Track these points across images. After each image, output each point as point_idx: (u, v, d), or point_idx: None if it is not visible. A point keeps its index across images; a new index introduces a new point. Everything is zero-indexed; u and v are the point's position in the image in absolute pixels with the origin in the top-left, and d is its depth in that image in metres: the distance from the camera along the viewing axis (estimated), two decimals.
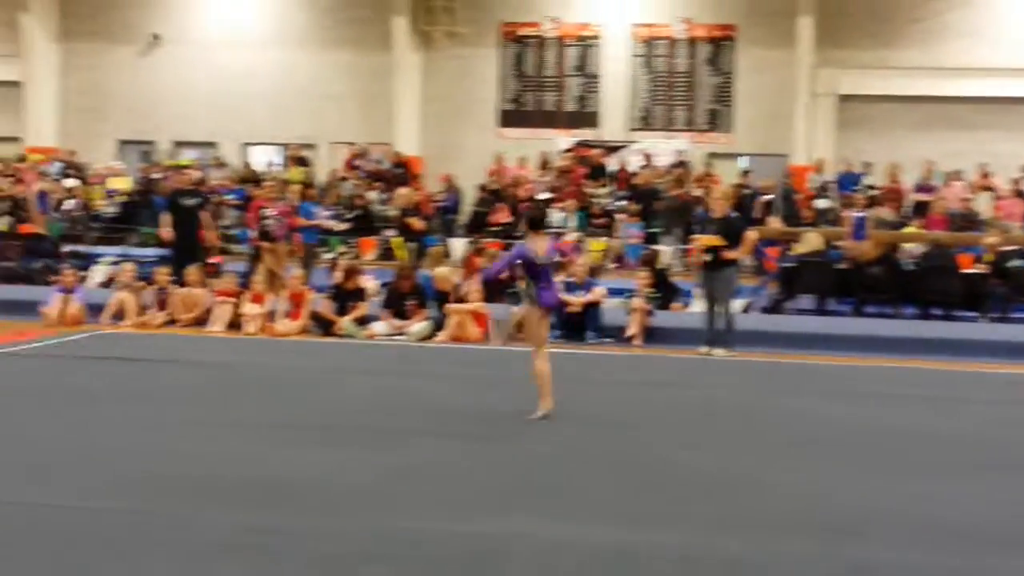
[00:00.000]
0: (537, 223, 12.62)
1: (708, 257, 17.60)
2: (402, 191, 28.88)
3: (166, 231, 22.83)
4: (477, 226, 29.79)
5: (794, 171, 31.98)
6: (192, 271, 20.63)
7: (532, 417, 12.26)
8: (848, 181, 30.41)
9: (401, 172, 32.75)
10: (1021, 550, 8.15)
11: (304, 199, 24.67)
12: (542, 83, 35.58)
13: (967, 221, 27.80)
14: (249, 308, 19.78)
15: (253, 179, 28.62)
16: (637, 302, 19.39)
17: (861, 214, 25.15)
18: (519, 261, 12.41)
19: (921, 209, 28.70)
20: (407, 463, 10.27)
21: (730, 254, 17.51)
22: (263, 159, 35.52)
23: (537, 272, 12.35)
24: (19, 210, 29.49)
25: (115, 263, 24.53)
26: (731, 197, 18.73)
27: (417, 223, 23.58)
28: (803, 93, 33.51)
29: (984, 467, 10.68)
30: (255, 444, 10.91)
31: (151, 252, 25.46)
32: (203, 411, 12.65)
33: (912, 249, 24.03)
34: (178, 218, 22.66)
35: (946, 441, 11.82)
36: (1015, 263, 22.13)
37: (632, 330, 19.04)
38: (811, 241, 22.50)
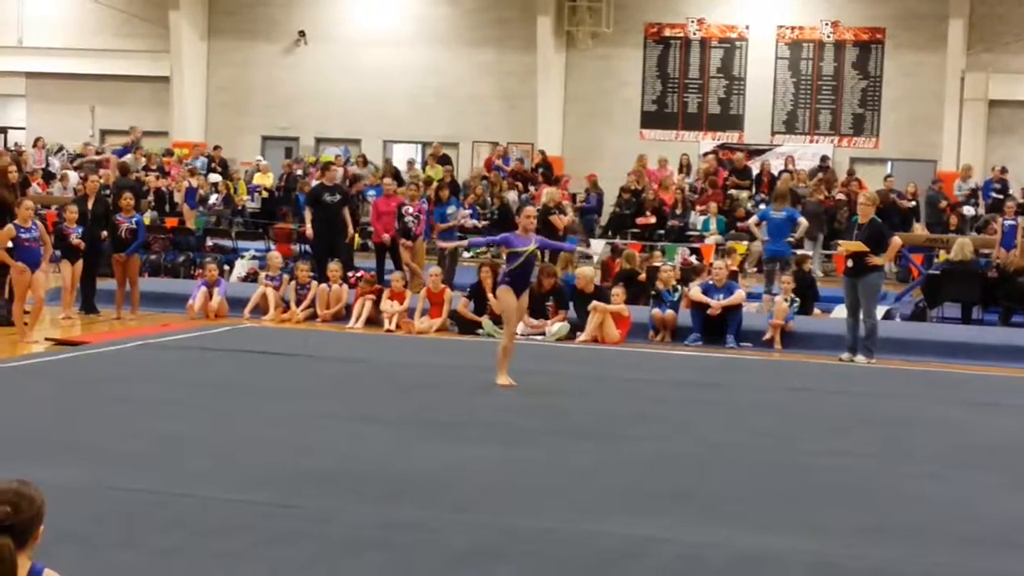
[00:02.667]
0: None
1: (852, 263, 17.34)
2: (547, 189, 28.88)
3: (308, 228, 23.05)
4: (618, 227, 29.71)
5: (941, 177, 31.48)
6: (333, 267, 20.76)
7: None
8: (991, 188, 29.89)
9: (544, 171, 32.77)
10: None
11: (440, 199, 24.72)
12: (685, 85, 35.38)
13: None
14: (388, 305, 19.85)
15: (393, 176, 28.70)
16: (779, 301, 19.20)
17: (1011, 222, 24.68)
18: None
19: None
20: (541, 461, 10.25)
21: (874, 260, 17.24)
22: (404, 157, 35.71)
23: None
24: (164, 204, 29.96)
25: (256, 258, 24.79)
26: (877, 202, 18.40)
27: (560, 221, 23.51)
28: (952, 98, 32.99)
29: None
30: (388, 439, 10.95)
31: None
32: (338, 406, 12.74)
33: None
34: (321, 215, 22.87)
35: None
36: None
37: (771, 333, 18.84)
38: (962, 248, 22.08)
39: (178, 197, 30.37)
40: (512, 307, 13.98)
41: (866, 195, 19.01)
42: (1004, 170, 30.45)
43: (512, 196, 31.17)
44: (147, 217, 25.90)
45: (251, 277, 23.54)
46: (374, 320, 19.95)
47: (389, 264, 22.90)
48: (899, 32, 33.87)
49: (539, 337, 19.00)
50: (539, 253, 14.33)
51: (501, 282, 14.13)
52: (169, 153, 35.15)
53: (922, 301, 22.60)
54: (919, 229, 27.47)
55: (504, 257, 14.34)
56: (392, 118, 36.57)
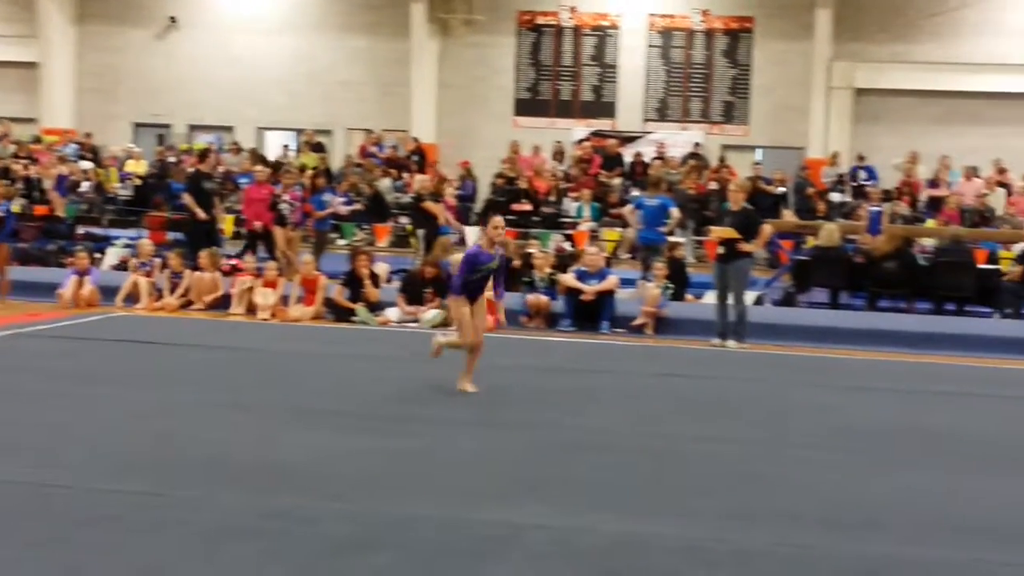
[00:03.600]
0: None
1: (723, 249, 17.58)
2: (419, 177, 28.91)
3: (200, 211, 22.87)
4: (491, 214, 29.76)
5: (809, 164, 31.95)
6: (205, 255, 20.66)
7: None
8: (862, 175, 30.40)
9: (417, 159, 32.80)
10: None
11: (315, 187, 24.69)
12: (558, 72, 35.55)
13: (981, 217, 27.80)
14: (262, 294, 19.80)
15: (265, 164, 28.57)
16: (650, 288, 19.40)
17: (876, 208, 25.14)
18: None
19: (935, 204, 28.70)
20: (417, 449, 10.29)
21: (745, 247, 17.49)
22: (278, 144, 35.53)
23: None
24: (34, 192, 29.57)
25: (128, 246, 24.59)
26: (747, 190, 18.67)
27: (434, 207, 23.58)
28: (819, 86, 33.47)
29: (996, 463, 10.68)
30: (265, 428, 10.95)
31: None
32: (213, 394, 12.70)
33: (926, 244, 24.03)
34: (200, 202, 22.80)
35: (958, 437, 11.80)
36: None
37: (643, 319, 19.05)
38: (829, 234, 22.46)
39: (48, 185, 29.97)
40: (467, 317, 13.14)
41: (737, 183, 19.31)
42: (861, 157, 31.00)
43: (386, 183, 31.19)
44: (16, 205, 25.55)
45: (123, 265, 23.34)
46: (250, 308, 19.89)
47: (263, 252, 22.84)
48: (767, 21, 34.28)
49: (413, 324, 19.06)
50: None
51: (453, 291, 13.29)
52: (38, 140, 34.67)
53: (791, 286, 22.96)
54: (788, 215, 27.85)
55: (458, 267, 13.33)
56: (265, 105, 36.36)
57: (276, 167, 27.47)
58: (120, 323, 18.41)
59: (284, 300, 19.85)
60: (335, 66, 36.18)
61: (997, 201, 29.09)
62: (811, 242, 23.52)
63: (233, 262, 21.63)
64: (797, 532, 8.24)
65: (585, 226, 27.34)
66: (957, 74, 32.94)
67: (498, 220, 13.38)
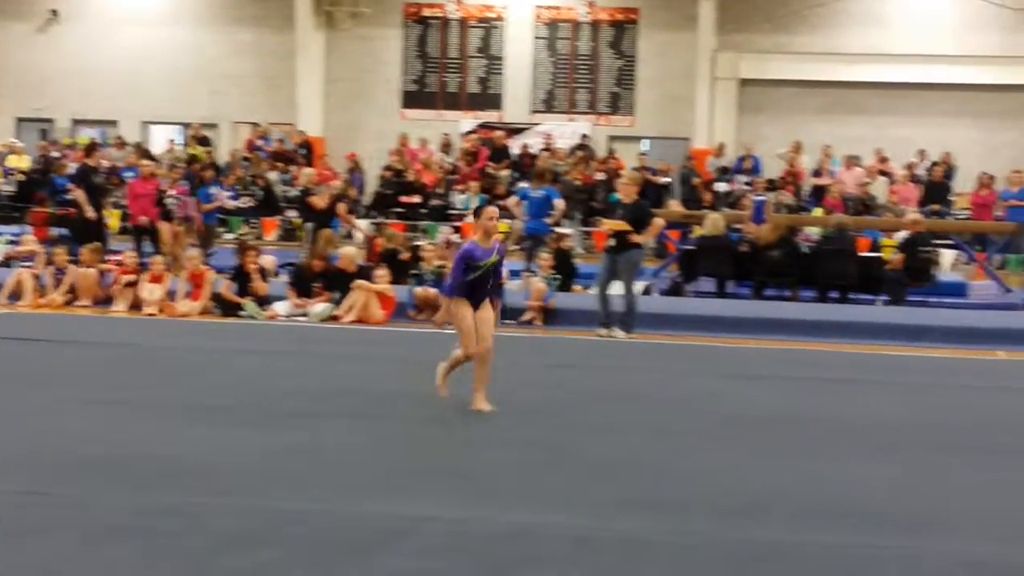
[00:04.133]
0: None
1: (613, 241, 17.64)
2: (306, 171, 28.81)
3: (89, 209, 22.57)
4: (381, 207, 29.77)
5: (695, 154, 32.21)
6: (87, 250, 20.44)
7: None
8: (747, 165, 30.72)
9: (304, 153, 32.69)
10: (912, 531, 8.29)
11: (203, 180, 24.54)
12: (445, 65, 35.56)
13: (863, 206, 28.19)
14: (148, 289, 19.62)
15: (150, 158, 28.34)
16: (536, 282, 19.46)
17: (761, 197, 25.40)
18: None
19: (819, 193, 29.07)
20: (306, 443, 10.25)
21: (636, 238, 17.58)
22: (164, 138, 35.22)
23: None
24: None
25: (12, 242, 24.27)
26: (639, 183, 18.76)
27: (319, 201, 23.47)
28: (704, 77, 33.78)
29: (880, 449, 10.83)
30: (150, 424, 10.85)
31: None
32: (97, 391, 12.55)
33: (810, 233, 24.31)
34: (89, 197, 22.54)
35: (842, 423, 11.96)
36: (922, 249, 22.39)
37: (531, 311, 19.10)
38: (715, 224, 22.66)
39: None
40: (470, 323, 11.93)
41: (629, 175, 19.35)
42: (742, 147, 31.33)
43: (273, 176, 31.04)
44: None
45: (6, 262, 23.04)
46: (136, 304, 19.71)
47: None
48: (652, 12, 34.54)
49: (302, 318, 18.99)
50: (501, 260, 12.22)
51: (451, 293, 12.08)
52: None
53: (678, 276, 23.15)
54: (674, 205, 28.05)
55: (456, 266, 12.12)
56: (150, 99, 36.04)
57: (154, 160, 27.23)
58: (3, 320, 18.17)
59: (171, 295, 19.68)
60: (221, 59, 35.95)
61: (879, 190, 29.54)
62: (697, 232, 23.71)
63: (119, 257, 21.41)
64: (685, 519, 8.31)
65: (470, 218, 27.34)
66: (839, 64, 33.42)
67: (492, 210, 12.44)
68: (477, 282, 11.93)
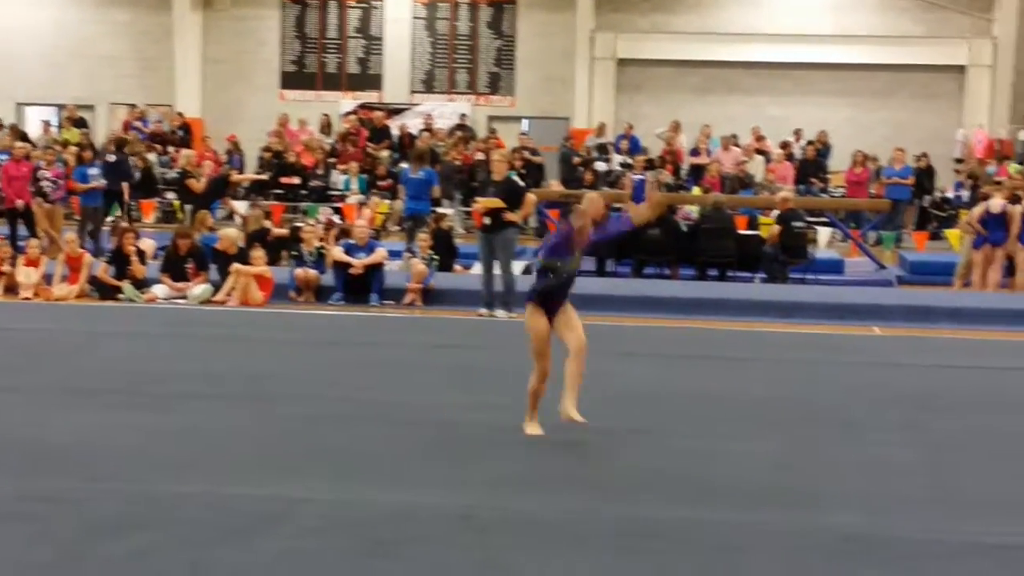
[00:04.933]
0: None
1: (488, 220, 17.69)
2: (184, 152, 28.56)
3: None
4: (260, 189, 29.58)
5: (574, 134, 32.34)
6: None
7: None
8: (626, 144, 30.91)
9: (183, 134, 32.42)
10: (791, 506, 8.43)
11: (80, 161, 24.26)
12: (324, 45, 35.38)
13: (741, 184, 28.48)
14: (24, 272, 19.36)
15: (25, 140, 27.96)
16: (416, 263, 19.47)
17: (640, 177, 25.56)
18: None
19: (697, 172, 29.32)
20: (185, 425, 10.21)
21: (510, 216, 17.64)
22: (39, 120, 34.73)
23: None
24: None
25: None
26: (510, 160, 18.81)
27: (196, 185, 23.34)
28: (583, 57, 33.91)
29: (758, 425, 10.98)
30: (28, 409, 10.77)
31: None
32: None
33: (689, 211, 24.54)
34: None
35: (721, 400, 12.09)
36: (797, 225, 22.67)
37: (412, 293, 19.10)
38: (592, 203, 22.73)
39: None
40: (543, 335, 10.18)
41: (501, 153, 19.42)
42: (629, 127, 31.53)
43: (152, 158, 30.75)
44: None
45: None
46: (11, 288, 19.44)
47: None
48: None
49: (181, 301, 18.85)
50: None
51: (529, 298, 10.38)
52: None
53: None
54: (554, 185, 28.17)
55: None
56: (24, 80, 35.47)
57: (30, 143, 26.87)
58: None
59: (47, 279, 19.44)
60: (97, 40, 35.48)
61: (756, 168, 29.82)
62: None
63: None
64: (567, 497, 8.38)
65: (353, 199, 27.29)
66: (716, 44, 33.68)
67: (596, 198, 10.71)
68: (555, 287, 10.22)
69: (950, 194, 30.57)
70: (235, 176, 25.25)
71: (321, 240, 20.28)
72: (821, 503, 8.45)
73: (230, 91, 35.26)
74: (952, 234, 25.82)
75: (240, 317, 17.68)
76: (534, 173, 28.94)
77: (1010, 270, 21.56)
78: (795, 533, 7.73)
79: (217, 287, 19.05)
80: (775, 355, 15.28)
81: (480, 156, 29.52)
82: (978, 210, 21.72)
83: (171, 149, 31.32)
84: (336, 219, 24.16)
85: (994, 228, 21.15)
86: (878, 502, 8.49)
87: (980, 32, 33.57)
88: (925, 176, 30.40)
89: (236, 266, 18.97)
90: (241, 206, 26.22)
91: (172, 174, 29.28)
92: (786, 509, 8.27)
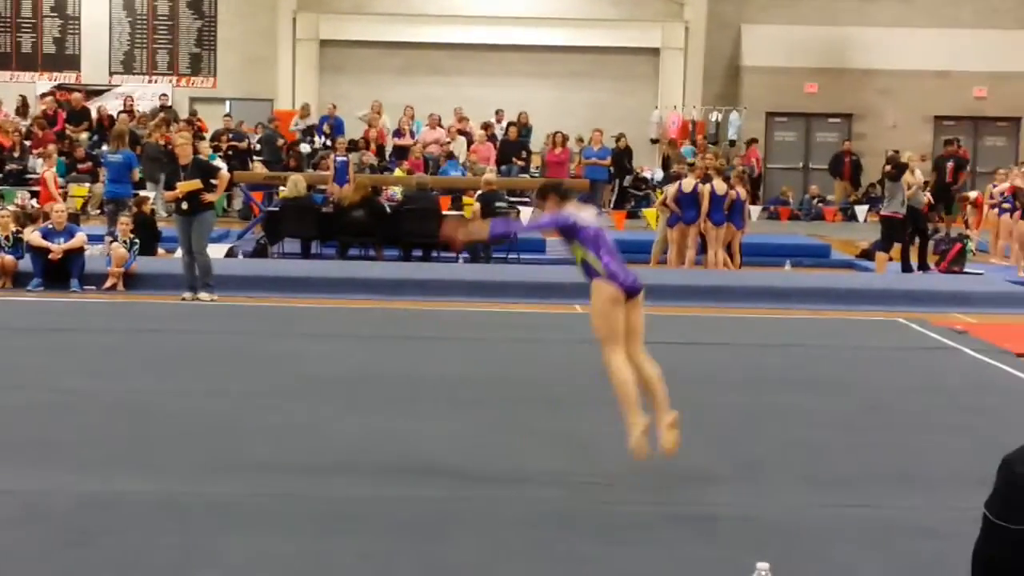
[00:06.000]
0: (564, 193, 9.20)
1: (185, 204, 17.50)
2: None
3: None
4: None
5: (279, 116, 32.22)
6: None
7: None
8: (330, 126, 30.97)
9: None
10: (489, 481, 8.64)
11: None
12: (18, 24, 34.47)
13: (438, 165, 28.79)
14: None
15: None
16: (116, 248, 19.18)
17: (343, 158, 25.63)
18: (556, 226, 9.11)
19: (401, 153, 29.53)
20: None
21: (207, 197, 17.52)
22: None
23: (587, 236, 8.91)
24: None
25: None
26: (191, 140, 18.67)
27: None
28: (286, 38, 33.87)
29: (457, 404, 11.18)
30: None
31: None
32: None
33: (393, 193, 24.71)
34: None
35: (423, 380, 12.24)
36: (499, 204, 23.02)
37: (112, 281, 18.81)
38: (295, 185, 22.77)
39: None
40: (619, 325, 8.70)
41: (183, 136, 19.20)
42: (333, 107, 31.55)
43: None
44: None
45: None
46: None
47: None
48: None
49: None
50: None
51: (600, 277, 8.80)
52: None
53: (263, 238, 23.17)
54: (258, 167, 28.07)
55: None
56: None
57: None
58: None
59: None
60: None
61: (459, 148, 30.16)
62: (281, 194, 23.77)
63: None
64: (272, 480, 8.46)
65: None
66: (417, 26, 34.04)
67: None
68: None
69: (647, 174, 31.43)
70: None
71: (17, 225, 19.80)
72: (517, 477, 8.69)
73: None
74: (649, 213, 26.52)
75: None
76: (241, 156, 28.78)
77: (703, 247, 22.28)
78: (494, 505, 7.97)
79: None
80: (477, 334, 15.49)
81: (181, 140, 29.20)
82: (672, 189, 22.36)
83: None
84: (32, 203, 23.60)
85: (687, 207, 21.81)
86: (569, 476, 8.77)
87: (672, 16, 34.57)
88: (624, 156, 31.22)
89: None
90: None
91: None
92: (485, 484, 8.50)
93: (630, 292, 8.66)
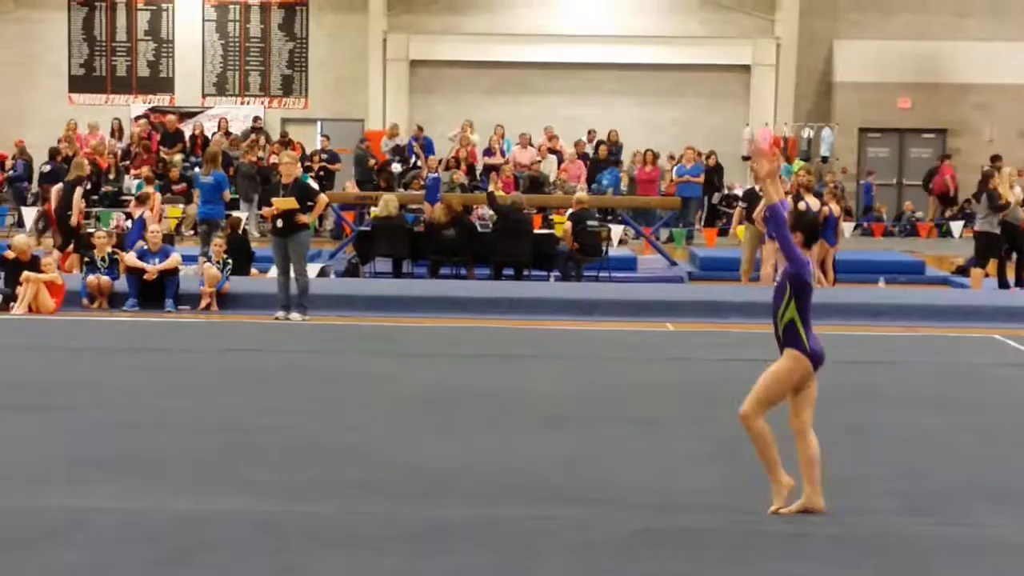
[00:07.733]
0: (813, 237, 8.29)
1: (280, 223, 17.59)
2: None
3: None
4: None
5: (369, 136, 32.35)
6: None
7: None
8: (420, 146, 31.07)
9: None
10: (583, 502, 8.60)
11: None
12: (113, 48, 34.88)
13: (535, 184, 28.76)
14: None
15: None
16: (209, 268, 19.32)
17: (435, 176, 25.68)
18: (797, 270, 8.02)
19: (492, 172, 29.55)
20: None
21: (302, 219, 17.60)
22: None
23: (809, 301, 8.09)
24: None
25: None
26: (299, 161, 18.76)
27: None
28: (376, 59, 34.00)
29: (551, 422, 11.13)
30: None
31: None
32: None
33: (484, 212, 24.71)
34: None
35: (517, 398, 12.20)
36: (590, 223, 22.98)
37: (206, 297, 18.95)
38: (387, 205, 22.83)
39: None
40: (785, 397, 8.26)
41: (289, 155, 19.33)
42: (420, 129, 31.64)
43: None
44: None
45: None
46: None
47: None
48: None
49: None
50: None
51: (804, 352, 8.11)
52: None
53: (355, 257, 23.25)
54: (349, 187, 28.19)
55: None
56: None
57: None
58: None
59: None
60: None
61: (549, 168, 30.15)
62: (373, 214, 23.85)
63: None
64: (366, 500, 8.46)
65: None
66: (506, 45, 34.03)
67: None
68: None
69: (738, 191, 31.24)
70: None
71: (114, 246, 19.99)
72: (612, 497, 8.63)
73: (15, 95, 34.54)
74: (740, 230, 26.32)
75: (30, 325, 17.35)
76: (330, 177, 29.03)
77: None
78: (586, 527, 7.90)
79: (6, 296, 18.65)
80: (569, 352, 15.47)
81: (275, 159, 29.43)
82: (762, 206, 22.17)
83: None
84: (129, 225, 23.82)
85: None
86: (664, 496, 8.70)
87: (764, 32, 34.41)
88: (714, 174, 31.09)
89: (27, 274, 18.62)
90: (29, 212, 25.73)
91: None
92: (579, 504, 8.44)
93: (819, 365, 8.17)
